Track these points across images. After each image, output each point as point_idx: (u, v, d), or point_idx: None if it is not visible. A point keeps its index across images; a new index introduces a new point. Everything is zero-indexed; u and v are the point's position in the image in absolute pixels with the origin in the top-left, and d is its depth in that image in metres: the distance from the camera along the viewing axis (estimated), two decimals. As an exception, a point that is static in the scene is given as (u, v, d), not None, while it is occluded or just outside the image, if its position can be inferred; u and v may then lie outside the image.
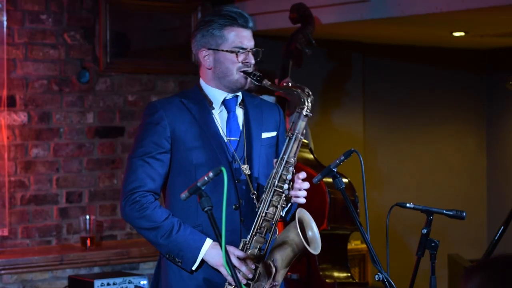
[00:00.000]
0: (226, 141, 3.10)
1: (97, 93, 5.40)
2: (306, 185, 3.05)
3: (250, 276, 2.96)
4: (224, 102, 3.13)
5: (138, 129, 3.15)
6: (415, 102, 7.24)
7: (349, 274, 4.75)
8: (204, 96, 3.13)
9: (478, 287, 1.83)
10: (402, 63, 7.15)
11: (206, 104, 3.11)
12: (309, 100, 3.02)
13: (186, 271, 3.02)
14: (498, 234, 3.99)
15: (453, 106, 7.48)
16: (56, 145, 5.25)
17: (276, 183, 3.00)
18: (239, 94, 3.16)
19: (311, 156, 4.85)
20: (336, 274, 4.71)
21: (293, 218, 3.02)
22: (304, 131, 3.06)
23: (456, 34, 6.20)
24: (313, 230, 3.01)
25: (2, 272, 4.84)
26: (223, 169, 2.52)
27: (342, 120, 6.77)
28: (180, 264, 3.01)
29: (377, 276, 2.98)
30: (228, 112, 3.13)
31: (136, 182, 3.02)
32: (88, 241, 5.14)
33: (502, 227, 4.00)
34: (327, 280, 4.65)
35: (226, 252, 2.57)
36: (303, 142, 4.83)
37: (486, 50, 7.41)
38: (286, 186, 3.00)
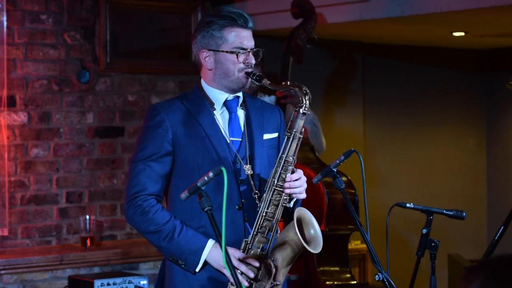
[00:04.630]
0: (228, 141, 3.10)
1: (97, 93, 5.40)
2: (298, 183, 3.03)
3: (251, 275, 2.95)
4: (226, 103, 3.13)
5: (139, 131, 3.15)
6: (415, 102, 7.24)
7: (349, 275, 4.74)
8: (205, 97, 3.13)
9: None
10: (402, 63, 7.14)
11: (207, 105, 3.11)
12: (306, 98, 3.01)
13: (189, 272, 3.03)
14: (498, 234, 3.99)
15: (453, 106, 7.48)
16: (56, 145, 5.25)
17: (276, 182, 3.00)
18: (240, 95, 3.16)
19: (311, 155, 4.83)
20: (336, 275, 4.70)
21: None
22: (302, 130, 3.05)
23: (456, 34, 6.20)
24: (315, 229, 3.01)
25: (2, 272, 4.84)
26: (223, 169, 2.51)
27: (342, 120, 6.77)
28: (183, 266, 3.02)
29: (377, 276, 2.98)
30: (230, 113, 3.13)
31: (138, 186, 3.04)
32: (88, 241, 5.14)
33: (502, 227, 4.00)
34: (325, 280, 4.64)
35: (227, 252, 2.57)
36: (304, 141, 4.85)
37: (486, 50, 7.41)
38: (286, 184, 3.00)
